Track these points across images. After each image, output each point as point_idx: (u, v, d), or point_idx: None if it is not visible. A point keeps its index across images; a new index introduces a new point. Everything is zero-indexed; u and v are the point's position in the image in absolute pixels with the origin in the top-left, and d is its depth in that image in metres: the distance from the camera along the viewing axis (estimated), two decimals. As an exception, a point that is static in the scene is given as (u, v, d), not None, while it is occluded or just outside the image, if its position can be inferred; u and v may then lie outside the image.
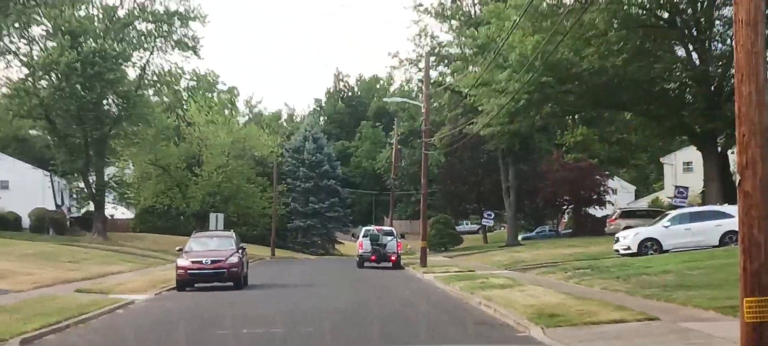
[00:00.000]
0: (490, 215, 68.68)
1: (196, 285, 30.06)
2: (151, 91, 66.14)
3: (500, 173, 64.91)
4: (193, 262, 30.07)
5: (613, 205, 72.42)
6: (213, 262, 30.04)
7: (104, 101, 58.76)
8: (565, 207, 73.21)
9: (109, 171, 70.29)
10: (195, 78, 74.63)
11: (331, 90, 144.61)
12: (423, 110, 46.99)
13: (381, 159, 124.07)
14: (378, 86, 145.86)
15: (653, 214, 47.16)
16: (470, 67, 56.31)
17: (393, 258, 44.92)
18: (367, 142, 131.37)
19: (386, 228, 50.78)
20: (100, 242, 58.61)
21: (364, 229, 49.65)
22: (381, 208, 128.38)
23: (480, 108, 48.32)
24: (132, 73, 63.22)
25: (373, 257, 44.57)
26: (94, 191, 63.32)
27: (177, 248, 33.42)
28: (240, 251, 31.61)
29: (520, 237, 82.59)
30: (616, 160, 74.22)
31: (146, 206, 78.91)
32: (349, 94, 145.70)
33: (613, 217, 54.11)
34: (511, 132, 50.72)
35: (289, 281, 35.71)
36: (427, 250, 45.27)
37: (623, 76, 42.83)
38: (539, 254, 42.73)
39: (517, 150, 63.76)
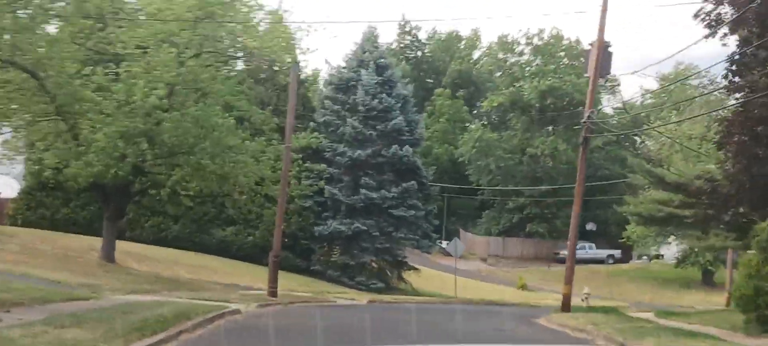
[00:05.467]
0: None
1: None
2: None
3: None
4: None
5: None
6: None
7: None
8: None
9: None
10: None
11: (394, 47, 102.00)
12: None
13: (466, 142, 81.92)
14: (460, 47, 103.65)
15: None
16: None
17: None
18: (443, 119, 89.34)
19: None
20: None
21: None
22: (458, 217, 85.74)
23: None
24: None
25: None
26: None
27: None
28: None
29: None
30: None
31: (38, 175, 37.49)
32: (419, 54, 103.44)
33: None
34: None
35: None
36: None
37: None
38: None
39: None
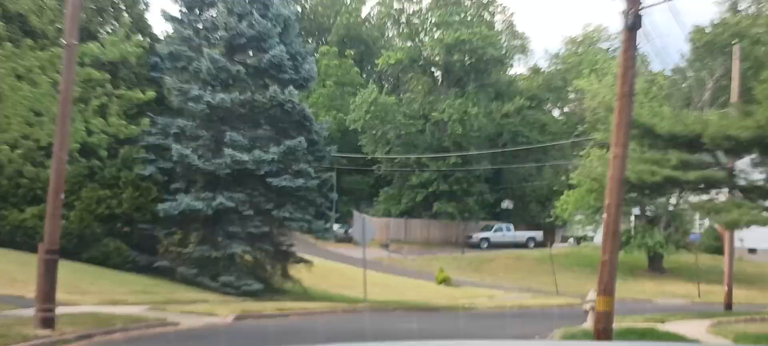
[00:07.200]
0: None
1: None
2: None
3: None
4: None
5: None
6: None
7: None
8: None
9: None
10: None
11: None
12: None
13: (358, 107, 68.49)
14: (346, 1, 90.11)
15: None
16: None
17: None
18: (330, 82, 75.83)
19: None
20: None
21: None
22: (351, 196, 72.37)
23: None
24: None
25: None
26: None
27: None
28: None
29: None
30: None
31: None
32: (298, 9, 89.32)
33: None
34: None
35: None
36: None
37: None
38: None
39: None
